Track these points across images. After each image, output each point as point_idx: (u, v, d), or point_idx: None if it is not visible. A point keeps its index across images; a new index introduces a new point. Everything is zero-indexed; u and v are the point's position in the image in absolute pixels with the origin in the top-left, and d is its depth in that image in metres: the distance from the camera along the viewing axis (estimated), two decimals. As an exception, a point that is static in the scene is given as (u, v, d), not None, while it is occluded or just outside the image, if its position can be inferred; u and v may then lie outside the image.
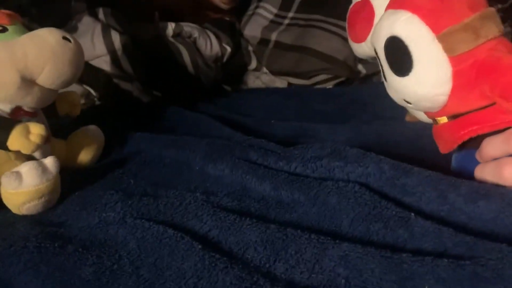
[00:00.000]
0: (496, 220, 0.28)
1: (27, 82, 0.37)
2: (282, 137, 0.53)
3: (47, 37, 0.37)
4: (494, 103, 0.32)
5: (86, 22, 0.68)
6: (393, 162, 0.34)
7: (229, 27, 0.78)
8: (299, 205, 0.33)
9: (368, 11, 0.47)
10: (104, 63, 0.66)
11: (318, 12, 0.75)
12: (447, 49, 0.32)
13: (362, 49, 0.48)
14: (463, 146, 0.35)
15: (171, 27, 0.68)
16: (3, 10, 0.39)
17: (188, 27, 0.70)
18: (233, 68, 0.76)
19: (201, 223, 0.31)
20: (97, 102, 0.67)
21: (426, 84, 0.33)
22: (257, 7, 0.81)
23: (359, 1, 0.50)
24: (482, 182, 0.32)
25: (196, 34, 0.70)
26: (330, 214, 0.32)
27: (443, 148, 0.36)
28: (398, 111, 0.50)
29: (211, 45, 0.72)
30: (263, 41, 0.76)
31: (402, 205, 0.31)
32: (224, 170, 0.39)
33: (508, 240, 0.27)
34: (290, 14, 0.78)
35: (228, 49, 0.74)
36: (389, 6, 0.36)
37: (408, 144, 0.45)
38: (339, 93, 0.66)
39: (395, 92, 0.36)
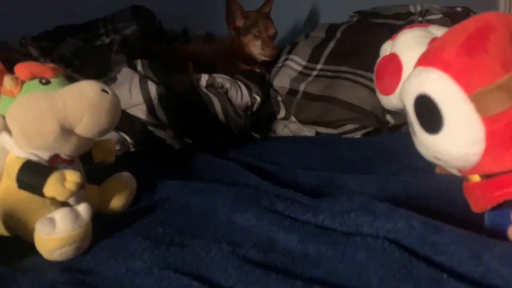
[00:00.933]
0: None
1: (66, 131, 0.39)
2: (309, 187, 0.52)
3: (86, 90, 0.40)
4: None
5: (125, 73, 0.72)
6: (423, 219, 0.33)
7: (259, 78, 0.80)
8: (326, 260, 0.33)
9: (395, 65, 0.48)
10: (140, 112, 0.69)
11: (346, 63, 0.77)
12: (480, 109, 0.31)
13: (390, 101, 0.49)
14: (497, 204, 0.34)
15: (204, 78, 0.71)
16: (48, 64, 0.42)
17: (220, 78, 0.72)
18: (263, 116, 0.78)
19: (226, 276, 0.31)
20: (132, 149, 0.69)
21: (458, 144, 0.33)
22: (286, 59, 0.84)
23: (387, 55, 0.51)
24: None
25: (228, 85, 0.73)
26: (358, 271, 0.31)
27: (476, 207, 0.35)
28: (427, 162, 0.49)
29: (241, 95, 0.74)
30: (292, 92, 0.78)
31: (434, 264, 0.30)
32: (251, 221, 0.39)
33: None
34: (319, 66, 0.80)
35: (258, 98, 0.76)
36: (419, 63, 0.36)
37: (438, 198, 0.44)
38: (367, 142, 0.66)
39: (426, 148, 0.36)
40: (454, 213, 0.39)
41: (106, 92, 0.41)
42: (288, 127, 0.78)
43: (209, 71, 0.77)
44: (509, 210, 0.33)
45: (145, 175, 0.53)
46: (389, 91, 0.48)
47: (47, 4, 1.01)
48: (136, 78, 0.70)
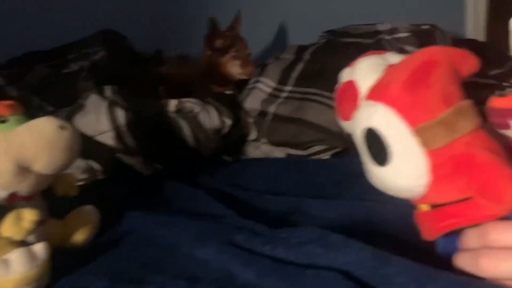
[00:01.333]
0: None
1: (23, 170, 0.39)
2: (276, 213, 0.53)
3: (44, 127, 0.40)
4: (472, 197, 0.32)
5: (93, 100, 0.72)
6: (374, 250, 0.33)
7: (230, 100, 0.81)
8: (280, 294, 0.33)
9: (352, 92, 0.49)
10: (108, 139, 0.69)
11: (314, 85, 0.78)
12: (424, 144, 0.33)
13: (348, 126, 0.50)
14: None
15: (173, 103, 0.72)
16: (4, 102, 0.42)
17: (189, 103, 0.73)
18: (234, 139, 0.78)
19: (180, 315, 0.31)
20: (100, 176, 0.69)
21: (404, 176, 0.34)
22: (257, 81, 0.85)
23: (345, 82, 0.53)
24: (461, 272, 0.32)
25: (197, 109, 0.73)
26: (310, 306, 0.31)
27: (425, 236, 0.36)
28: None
29: (212, 118, 0.74)
30: (262, 113, 0.79)
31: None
32: (210, 255, 0.39)
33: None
34: (288, 88, 0.81)
35: (228, 121, 0.76)
36: (368, 97, 0.37)
37: (399, 222, 0.45)
38: (334, 164, 0.67)
39: (376, 179, 0.37)
40: (412, 238, 0.39)
41: (65, 128, 0.41)
42: (259, 148, 0.79)
43: (183, 94, 0.78)
44: (456, 238, 0.34)
45: (111, 204, 0.53)
46: (346, 117, 0.49)
47: (14, 30, 1.00)
48: (104, 105, 0.70)
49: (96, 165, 0.69)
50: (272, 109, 0.79)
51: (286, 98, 0.80)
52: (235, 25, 0.97)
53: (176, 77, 0.90)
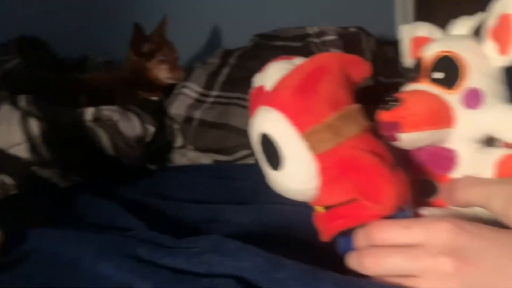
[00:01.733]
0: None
1: None
2: (192, 221, 0.53)
3: None
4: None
5: (4, 111, 0.68)
6: (268, 255, 0.34)
7: (153, 106, 0.79)
8: (177, 306, 0.33)
9: (261, 96, 0.50)
10: (22, 151, 0.65)
11: (238, 90, 0.78)
12: (311, 148, 0.33)
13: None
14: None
15: (90, 112, 0.69)
16: None
17: (108, 111, 0.70)
18: (158, 146, 0.77)
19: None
20: (13, 191, 0.65)
21: (295, 180, 0.34)
22: (183, 86, 0.84)
23: (257, 87, 0.53)
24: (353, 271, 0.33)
25: (116, 117, 0.71)
26: (203, 316, 0.31)
27: (322, 236, 0.37)
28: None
29: (133, 126, 0.72)
30: (188, 119, 0.78)
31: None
32: (111, 269, 0.38)
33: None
34: (214, 93, 0.81)
35: (151, 128, 0.75)
36: (263, 102, 0.38)
37: (308, 225, 0.46)
38: (257, 168, 0.67)
39: (272, 183, 0.37)
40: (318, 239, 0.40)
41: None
42: (185, 155, 0.78)
43: (106, 101, 0.75)
44: (350, 238, 0.35)
45: (22, 221, 0.50)
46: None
47: None
48: (17, 115, 0.66)
49: (8, 180, 0.65)
50: (197, 114, 0.78)
51: (212, 103, 0.80)
52: (160, 29, 0.95)
53: (99, 83, 0.87)
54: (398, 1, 1.87)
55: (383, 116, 0.37)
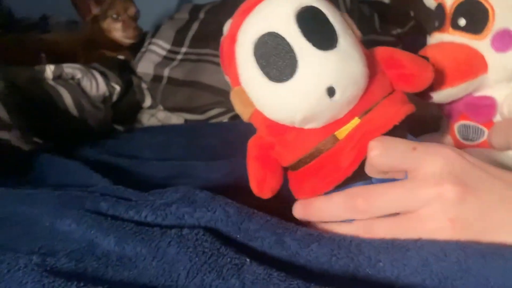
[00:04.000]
0: (330, 262, 0.27)
1: None
2: (159, 179, 0.50)
3: None
4: None
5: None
6: (238, 206, 0.32)
7: (119, 65, 0.75)
8: (141, 259, 0.31)
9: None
10: (-24, 112, 0.61)
11: (209, 46, 0.75)
12: None
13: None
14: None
15: (49, 69, 0.65)
16: None
17: (69, 68, 0.66)
18: (126, 107, 0.73)
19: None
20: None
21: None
22: (150, 43, 0.80)
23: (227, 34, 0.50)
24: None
25: (79, 75, 0.67)
26: (168, 267, 0.29)
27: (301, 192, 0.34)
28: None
29: (97, 85, 0.68)
30: (157, 78, 0.75)
31: (247, 250, 0.30)
32: (71, 225, 0.35)
33: (340, 282, 0.26)
34: (183, 50, 0.77)
35: (117, 88, 0.71)
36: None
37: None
38: (230, 127, 0.65)
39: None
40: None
41: None
42: (155, 116, 0.75)
43: (67, 61, 0.70)
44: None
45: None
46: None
47: None
48: (-31, 75, 0.61)
49: (-37, 143, 0.61)
50: (166, 72, 0.75)
51: (182, 60, 0.76)
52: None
53: (59, 43, 0.81)
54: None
55: None
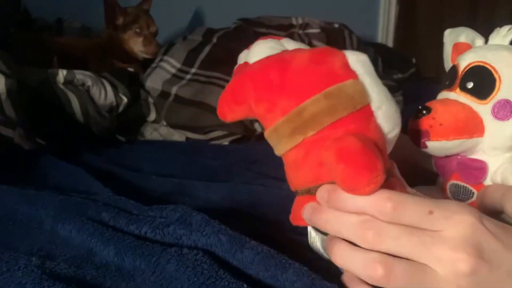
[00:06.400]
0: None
1: None
2: (159, 194, 0.51)
3: None
4: None
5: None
6: (231, 234, 0.33)
7: (129, 77, 0.77)
8: (139, 272, 0.31)
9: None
10: (-17, 107, 0.62)
11: (218, 70, 0.77)
12: None
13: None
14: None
15: (62, 74, 0.66)
16: None
17: (81, 75, 0.68)
18: (131, 118, 0.75)
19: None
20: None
21: None
22: (161, 60, 0.82)
23: (242, 63, 0.52)
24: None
25: (89, 82, 0.68)
26: (166, 284, 0.30)
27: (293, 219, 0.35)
28: (283, 171, 0.50)
29: (105, 94, 0.70)
30: (164, 94, 0.76)
31: (245, 276, 0.31)
32: (72, 232, 0.36)
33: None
34: (193, 70, 0.79)
35: (125, 99, 0.72)
36: None
37: (277, 205, 0.45)
38: (232, 150, 0.66)
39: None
40: (286, 220, 0.40)
41: None
42: (158, 130, 0.76)
43: (81, 67, 0.72)
44: None
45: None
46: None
47: None
48: (-18, 69, 0.62)
49: (-33, 136, 0.62)
50: (174, 90, 0.76)
51: (190, 80, 0.78)
52: (145, 1, 0.92)
53: (75, 48, 0.83)
54: (382, 4, 1.90)
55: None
